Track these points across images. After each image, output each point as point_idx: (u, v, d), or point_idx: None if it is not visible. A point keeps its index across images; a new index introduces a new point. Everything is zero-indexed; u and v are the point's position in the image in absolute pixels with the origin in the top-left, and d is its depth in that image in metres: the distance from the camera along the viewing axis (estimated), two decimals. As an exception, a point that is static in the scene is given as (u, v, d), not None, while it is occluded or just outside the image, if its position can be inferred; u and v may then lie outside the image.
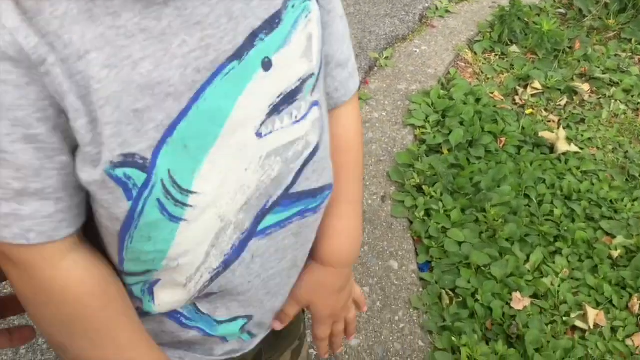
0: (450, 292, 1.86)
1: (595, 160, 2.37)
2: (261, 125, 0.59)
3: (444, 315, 1.79)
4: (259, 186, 0.62)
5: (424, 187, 2.16)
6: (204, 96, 0.55)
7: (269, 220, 0.65)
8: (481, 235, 2.01)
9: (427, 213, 2.09)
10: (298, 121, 0.63)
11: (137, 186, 0.55)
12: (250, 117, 0.58)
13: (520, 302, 1.82)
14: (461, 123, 2.42)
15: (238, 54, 0.56)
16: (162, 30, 0.52)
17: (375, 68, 2.78)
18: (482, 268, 1.91)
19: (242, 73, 0.56)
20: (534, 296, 1.87)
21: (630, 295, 1.87)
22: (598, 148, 2.45)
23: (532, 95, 2.70)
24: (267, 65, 0.58)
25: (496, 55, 2.93)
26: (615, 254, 1.97)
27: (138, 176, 0.55)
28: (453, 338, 1.69)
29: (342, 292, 0.83)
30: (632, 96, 2.70)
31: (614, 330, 1.79)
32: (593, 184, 2.24)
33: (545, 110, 2.65)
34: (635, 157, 2.38)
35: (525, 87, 2.75)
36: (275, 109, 0.60)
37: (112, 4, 0.51)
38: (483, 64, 2.87)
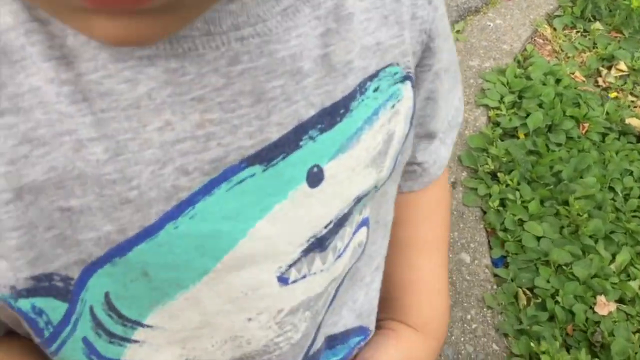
0: (528, 292, 1.71)
1: (688, 152, 2.16)
2: (290, 266, 0.40)
3: (521, 317, 1.64)
4: (268, 347, 0.42)
5: (498, 174, 2.00)
6: (192, 213, 0.35)
7: None
8: (562, 231, 1.84)
9: (502, 203, 1.93)
10: (340, 255, 0.43)
11: (52, 324, 0.36)
12: (273, 253, 0.38)
13: (605, 306, 1.66)
14: (540, 105, 2.24)
15: (265, 156, 0.36)
16: (136, 100, 0.33)
17: (446, 42, 2.60)
18: (563, 267, 1.75)
19: (270, 186, 0.37)
20: (620, 301, 1.70)
21: None
22: (691, 138, 2.23)
23: (618, 78, 2.49)
24: (315, 177, 0.38)
25: (578, 32, 2.71)
26: None
27: (54, 309, 0.36)
28: (532, 344, 1.55)
29: None
30: None
31: None
32: (686, 179, 2.04)
33: (632, 94, 2.43)
34: None
35: (610, 68, 2.53)
36: (319, 244, 0.40)
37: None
38: (563, 41, 2.66)
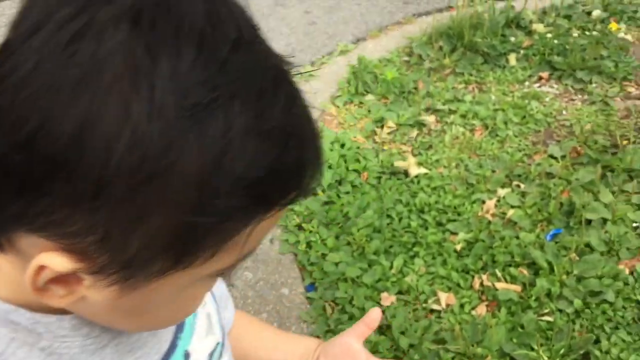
0: (332, 304, 2.29)
1: (442, 176, 2.89)
2: None
3: (329, 322, 2.21)
4: None
5: (303, 225, 2.61)
6: None
7: None
8: (353, 254, 2.47)
9: (308, 245, 2.53)
10: None
11: None
12: None
13: (388, 299, 2.27)
14: (329, 167, 2.91)
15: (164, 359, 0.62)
16: None
17: (256, 134, 3.26)
18: (356, 279, 2.35)
19: None
20: (399, 293, 2.32)
21: (473, 277, 2.36)
22: (444, 167, 2.98)
23: (388, 133, 3.24)
24: (186, 356, 0.64)
25: (355, 105, 3.47)
26: (459, 247, 2.47)
27: None
28: (335, 337, 2.12)
29: None
30: (468, 119, 3.28)
31: (462, 306, 2.26)
32: (440, 196, 2.75)
33: (400, 143, 3.18)
34: (472, 168, 2.93)
35: (382, 127, 3.29)
36: None
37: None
38: (345, 114, 3.40)
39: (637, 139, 2.96)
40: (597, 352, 2.00)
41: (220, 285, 0.84)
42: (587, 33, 3.91)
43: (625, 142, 2.91)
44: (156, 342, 0.60)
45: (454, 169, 2.95)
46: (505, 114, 3.24)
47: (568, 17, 4.11)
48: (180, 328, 0.64)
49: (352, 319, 2.22)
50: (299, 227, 2.63)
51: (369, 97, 3.49)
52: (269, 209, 0.46)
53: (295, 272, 2.44)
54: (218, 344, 0.71)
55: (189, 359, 0.65)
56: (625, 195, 2.61)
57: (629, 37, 3.89)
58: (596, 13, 4.09)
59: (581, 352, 2.02)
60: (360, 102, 3.49)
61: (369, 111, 3.40)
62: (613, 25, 3.93)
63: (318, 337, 2.15)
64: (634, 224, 2.49)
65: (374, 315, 0.88)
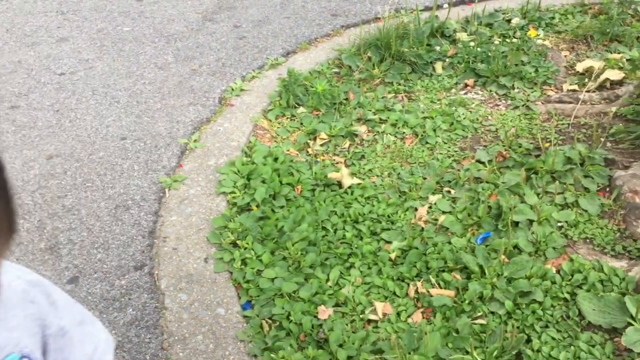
0: (269, 320, 2.27)
1: (375, 186, 2.92)
2: None
3: (266, 339, 2.19)
4: None
5: (238, 242, 2.58)
6: None
7: None
8: (289, 269, 2.45)
9: (244, 262, 2.50)
10: None
11: None
12: None
13: (325, 312, 2.27)
14: (263, 181, 2.89)
15: None
16: None
17: (187, 151, 3.21)
18: (292, 294, 2.34)
19: None
20: (336, 305, 2.32)
21: (408, 285, 2.38)
22: (377, 176, 3.02)
23: (321, 145, 3.25)
24: None
25: (287, 118, 3.47)
26: (393, 255, 2.49)
27: None
28: (272, 355, 2.09)
29: None
30: (398, 128, 3.33)
31: (398, 314, 2.28)
32: (374, 206, 2.78)
33: (333, 154, 3.20)
34: (404, 176, 2.97)
35: (315, 139, 3.30)
36: None
37: None
38: (278, 127, 3.40)
39: (558, 141, 3.07)
40: (529, 352, 2.05)
41: (85, 347, 0.84)
42: (507, 40, 4.05)
43: (547, 145, 3.02)
44: None
45: (387, 178, 2.99)
46: (434, 122, 3.31)
47: (490, 25, 4.25)
48: None
49: (290, 334, 2.20)
50: (234, 244, 2.60)
51: (301, 110, 3.50)
52: None
53: (231, 290, 2.40)
54: None
55: None
56: (549, 196, 2.71)
57: (547, 42, 4.05)
58: (515, 21, 4.25)
59: (514, 352, 2.07)
60: (292, 115, 3.49)
61: (302, 124, 3.41)
62: (532, 32, 4.08)
63: (255, 356, 2.12)
64: (559, 224, 2.58)
65: None
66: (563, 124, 3.24)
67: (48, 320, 0.79)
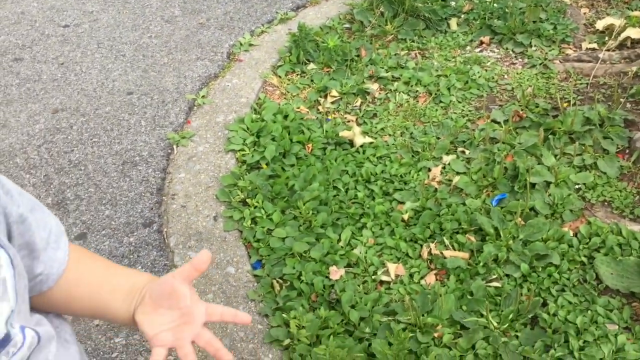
0: (280, 280, 2.24)
1: (388, 145, 2.85)
2: None
3: (277, 299, 2.16)
4: None
5: (247, 200, 2.53)
6: None
7: None
8: (300, 228, 2.41)
9: (254, 221, 2.46)
10: (15, 354, 0.71)
11: None
12: None
13: (336, 273, 2.23)
14: (273, 139, 2.83)
15: None
16: None
17: (195, 107, 3.13)
18: (304, 254, 2.30)
19: None
20: (348, 266, 2.28)
21: (421, 246, 2.34)
22: (389, 135, 2.94)
23: (332, 103, 3.17)
24: None
25: (297, 74, 3.38)
26: (406, 216, 2.44)
27: None
28: (284, 315, 2.07)
29: None
30: (411, 86, 3.24)
31: (411, 276, 2.24)
32: (386, 165, 2.71)
33: (345, 112, 3.12)
34: (417, 135, 2.90)
35: (326, 96, 3.21)
36: None
37: None
38: (288, 84, 3.31)
39: (576, 101, 2.98)
40: (545, 315, 2.02)
41: (41, 233, 0.84)
42: (526, -4, 3.91)
43: (565, 105, 2.93)
44: None
45: (399, 137, 2.92)
46: (448, 80, 3.22)
47: (507, -19, 4.10)
48: None
49: (301, 295, 2.17)
50: (244, 202, 2.55)
51: (311, 66, 3.40)
52: None
53: (241, 249, 2.36)
54: (12, 311, 0.70)
55: None
56: (567, 157, 2.64)
57: (566, -1, 3.91)
58: (534, -24, 4.09)
59: (529, 316, 2.03)
60: (303, 72, 3.39)
61: (312, 80, 3.32)
62: (551, -12, 3.94)
63: (267, 315, 2.10)
64: (577, 186, 2.51)
65: (203, 258, 0.87)
66: (582, 83, 3.15)
67: (8, 209, 0.79)
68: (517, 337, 1.99)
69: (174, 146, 2.88)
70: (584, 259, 2.20)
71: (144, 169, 2.76)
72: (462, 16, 3.77)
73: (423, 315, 2.03)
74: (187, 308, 0.87)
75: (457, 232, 2.35)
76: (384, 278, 2.23)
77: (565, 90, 3.10)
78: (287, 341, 2.01)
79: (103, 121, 3.04)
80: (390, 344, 1.87)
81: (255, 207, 2.50)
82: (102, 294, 0.90)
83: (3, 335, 0.68)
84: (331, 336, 1.99)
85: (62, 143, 2.91)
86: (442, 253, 2.28)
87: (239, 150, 2.83)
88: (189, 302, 0.87)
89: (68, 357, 0.85)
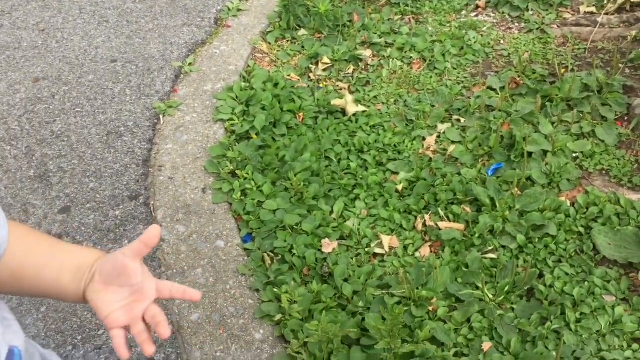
0: (271, 254, 2.18)
1: (381, 114, 2.78)
2: None
3: (268, 273, 2.10)
4: None
5: (237, 171, 2.46)
6: None
7: None
8: (291, 200, 2.34)
9: (244, 193, 2.39)
10: None
11: None
12: None
13: (329, 246, 2.18)
14: (263, 108, 2.74)
15: None
16: None
17: (182, 76, 3.03)
18: (295, 227, 2.24)
19: None
20: (341, 238, 2.23)
21: (416, 217, 2.28)
22: (382, 103, 2.86)
23: (324, 70, 3.08)
24: None
25: (288, 41, 3.28)
26: (400, 187, 2.38)
27: None
28: (275, 289, 2.01)
29: None
30: (405, 52, 3.15)
31: (405, 248, 2.19)
32: (379, 135, 2.64)
33: (337, 80, 3.03)
34: (411, 103, 2.82)
35: (317, 64, 3.12)
36: None
37: None
38: (278, 51, 3.21)
39: (574, 67, 2.91)
40: (541, 287, 1.98)
41: None
42: (523, -42, 3.79)
43: (563, 71, 2.85)
44: None
45: (393, 106, 2.84)
46: (443, 46, 3.13)
47: (503, -58, 3.97)
48: None
49: (293, 269, 2.12)
50: (233, 174, 2.48)
51: (302, 32, 3.30)
52: None
53: (230, 222, 2.30)
54: None
55: None
56: (564, 125, 2.57)
57: (564, -39, 3.79)
58: (531, -63, 3.96)
59: (526, 288, 1.99)
60: (293, 38, 3.29)
61: (303, 47, 3.22)
62: (548, -50, 3.81)
63: (258, 290, 2.05)
64: (574, 154, 2.46)
65: (153, 232, 0.87)
66: (580, 48, 3.06)
67: None
68: (512, 309, 1.95)
69: (161, 116, 2.79)
70: (581, 229, 2.16)
71: (130, 140, 2.68)
72: (457, -21, 3.65)
73: (417, 289, 1.98)
74: (139, 285, 0.87)
75: (452, 203, 2.30)
76: (378, 250, 2.18)
77: (563, 55, 3.02)
78: (278, 316, 1.96)
79: (86, 90, 2.94)
80: (384, 319, 1.82)
81: (245, 179, 2.42)
82: (48, 272, 0.88)
83: None
84: (324, 311, 1.94)
85: (44, 113, 2.81)
86: (436, 224, 2.23)
87: (228, 120, 2.74)
88: (140, 279, 0.86)
89: (11, 333, 0.81)
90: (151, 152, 2.61)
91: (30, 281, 0.88)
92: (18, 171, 2.52)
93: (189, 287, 0.92)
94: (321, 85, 2.97)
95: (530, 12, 3.36)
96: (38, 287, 0.88)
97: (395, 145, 2.59)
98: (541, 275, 2.04)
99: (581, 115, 2.59)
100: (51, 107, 2.84)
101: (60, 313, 2.02)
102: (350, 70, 3.08)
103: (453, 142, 2.58)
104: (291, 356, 1.84)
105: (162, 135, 2.69)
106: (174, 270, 2.13)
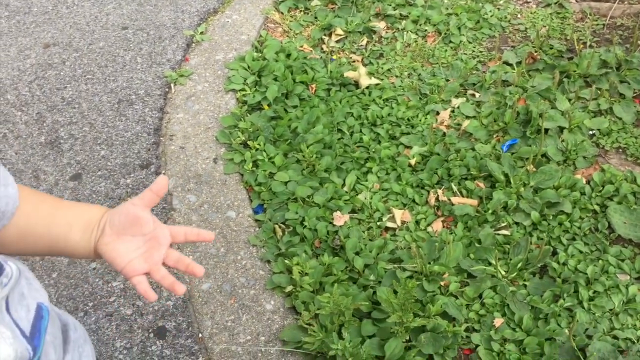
0: (282, 225, 2.17)
1: (394, 87, 2.74)
2: None
3: (279, 245, 2.09)
4: (15, 347, 0.70)
5: (249, 142, 2.43)
6: None
7: None
8: (303, 172, 2.32)
9: (255, 164, 2.37)
10: (6, 285, 0.72)
11: None
12: None
13: (341, 218, 2.16)
14: (275, 79, 2.71)
15: None
16: None
17: (193, 44, 2.99)
18: (307, 199, 2.22)
19: None
20: (352, 211, 2.21)
21: (428, 192, 2.26)
22: (396, 76, 2.82)
23: (337, 41, 3.03)
24: None
25: (301, 11, 3.23)
26: (413, 161, 2.35)
27: None
28: (286, 261, 2.01)
29: None
30: (420, 25, 3.09)
31: (418, 223, 2.18)
32: (393, 108, 2.61)
33: (350, 52, 2.98)
34: (425, 77, 2.78)
35: (330, 35, 3.07)
36: None
37: None
38: (290, 21, 3.16)
39: (593, 43, 2.85)
40: (555, 265, 1.96)
41: None
42: None
43: (581, 46, 2.80)
44: None
45: (407, 79, 2.80)
46: (458, 19, 3.07)
47: None
48: None
49: (304, 241, 2.11)
50: (244, 144, 2.45)
51: (315, 2, 3.24)
52: None
53: (242, 193, 2.28)
54: None
55: None
56: (582, 102, 2.53)
57: None
58: None
59: (539, 265, 1.98)
60: (306, 8, 3.24)
61: (316, 18, 3.16)
62: None
63: (269, 261, 2.04)
64: (591, 132, 2.42)
65: (162, 182, 0.89)
66: (598, 24, 3.00)
67: None
68: (525, 286, 1.94)
69: (172, 85, 2.76)
70: (597, 208, 2.13)
71: (141, 108, 2.65)
72: (475, -49, 3.57)
73: (429, 263, 1.97)
74: (152, 233, 0.87)
75: (466, 178, 2.27)
76: (390, 224, 2.17)
77: (581, 31, 2.96)
78: (289, 288, 1.96)
79: (97, 57, 2.90)
80: (395, 292, 1.82)
81: (257, 150, 2.40)
82: (58, 229, 0.87)
83: None
84: (335, 283, 1.93)
85: (55, 79, 2.78)
86: (449, 200, 2.21)
87: (240, 90, 2.71)
88: (152, 227, 0.87)
89: (35, 291, 0.81)
90: (162, 121, 2.59)
91: (42, 239, 0.87)
92: (29, 137, 2.51)
93: (202, 229, 0.92)
94: (334, 57, 2.93)
95: (549, -14, 3.29)
96: (49, 245, 0.87)
97: (408, 119, 2.55)
98: (554, 253, 2.02)
99: (599, 92, 2.55)
100: (62, 73, 2.81)
101: (72, 279, 2.02)
102: (364, 43, 3.03)
103: (467, 117, 2.54)
104: (302, 327, 1.84)
105: (173, 104, 2.67)
106: (185, 240, 2.12)
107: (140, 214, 0.86)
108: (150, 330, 1.89)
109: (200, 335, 1.87)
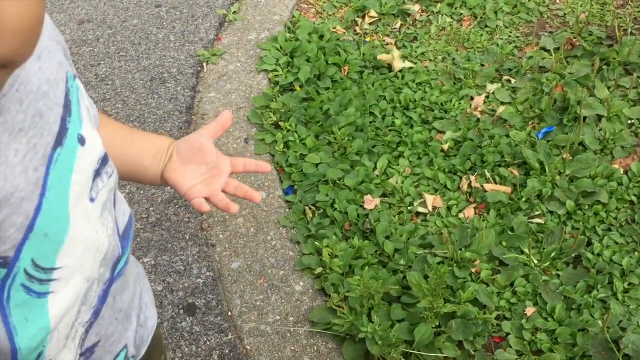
0: (312, 207, 2.16)
1: (428, 71, 2.70)
2: (90, 190, 0.67)
3: (309, 226, 2.09)
4: (109, 241, 0.71)
5: (280, 123, 2.43)
6: (48, 187, 0.60)
7: (122, 263, 0.76)
8: (334, 154, 2.31)
9: (286, 145, 2.36)
10: (111, 175, 0.72)
11: None
12: (83, 188, 0.66)
13: (371, 202, 2.15)
14: (307, 60, 2.69)
15: (58, 141, 0.62)
16: None
17: (225, 24, 2.98)
18: (337, 181, 2.21)
19: (67, 155, 0.63)
20: (383, 195, 2.20)
21: (460, 178, 2.24)
22: (430, 60, 2.78)
23: (370, 24, 3.00)
24: (82, 140, 0.65)
25: (334, -8, 3.19)
26: (446, 146, 2.32)
27: None
28: (316, 243, 2.00)
29: None
30: (455, 8, 3.04)
31: (449, 208, 2.15)
32: (426, 92, 2.57)
33: (383, 34, 2.95)
34: (460, 61, 2.73)
35: (363, 17, 3.03)
36: (97, 173, 0.68)
37: None
38: (323, 2, 3.13)
39: (634, 30, 2.78)
40: (589, 255, 1.93)
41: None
42: None
43: (621, 33, 2.73)
44: (44, 123, 0.60)
45: (441, 63, 2.76)
46: (495, 3, 3.01)
47: None
48: (67, 111, 0.64)
49: (334, 223, 2.10)
50: (276, 125, 2.45)
51: (349, -17, 3.20)
52: None
53: (272, 174, 2.28)
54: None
55: (84, 144, 0.66)
56: (621, 90, 2.47)
57: None
58: None
59: (572, 255, 1.94)
60: (340, -11, 3.20)
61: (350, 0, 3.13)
62: None
63: (298, 242, 2.04)
64: (630, 121, 2.36)
65: (227, 115, 0.96)
66: (640, 11, 2.92)
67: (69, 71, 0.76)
68: (558, 276, 1.91)
69: (204, 64, 2.76)
70: (634, 198, 2.09)
71: (173, 87, 2.66)
72: None
73: (461, 250, 1.95)
74: (214, 162, 0.93)
75: (499, 165, 2.24)
76: (421, 209, 2.15)
77: (621, 18, 2.88)
78: (319, 269, 1.96)
79: (130, 34, 2.91)
80: (426, 277, 1.80)
81: (288, 131, 2.39)
82: (132, 151, 0.94)
83: (103, 154, 0.69)
84: (365, 266, 1.93)
85: (89, 56, 2.80)
86: (482, 186, 2.18)
87: (272, 71, 2.70)
88: (215, 157, 0.93)
89: (121, 203, 0.83)
90: (194, 100, 2.59)
91: (115, 159, 0.87)
92: (62, 113, 2.53)
93: (260, 161, 0.99)
94: (367, 40, 2.89)
95: (589, -29, 3.20)
96: (122, 165, 0.89)
97: (441, 104, 2.52)
98: (589, 243, 1.99)
99: (639, 80, 2.48)
100: (95, 49, 2.83)
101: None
102: (398, 25, 2.99)
103: (502, 103, 2.50)
104: (331, 309, 1.83)
105: (205, 83, 2.67)
106: (215, 219, 2.13)
107: (205, 144, 0.92)
108: (180, 307, 1.90)
109: (229, 313, 1.88)
